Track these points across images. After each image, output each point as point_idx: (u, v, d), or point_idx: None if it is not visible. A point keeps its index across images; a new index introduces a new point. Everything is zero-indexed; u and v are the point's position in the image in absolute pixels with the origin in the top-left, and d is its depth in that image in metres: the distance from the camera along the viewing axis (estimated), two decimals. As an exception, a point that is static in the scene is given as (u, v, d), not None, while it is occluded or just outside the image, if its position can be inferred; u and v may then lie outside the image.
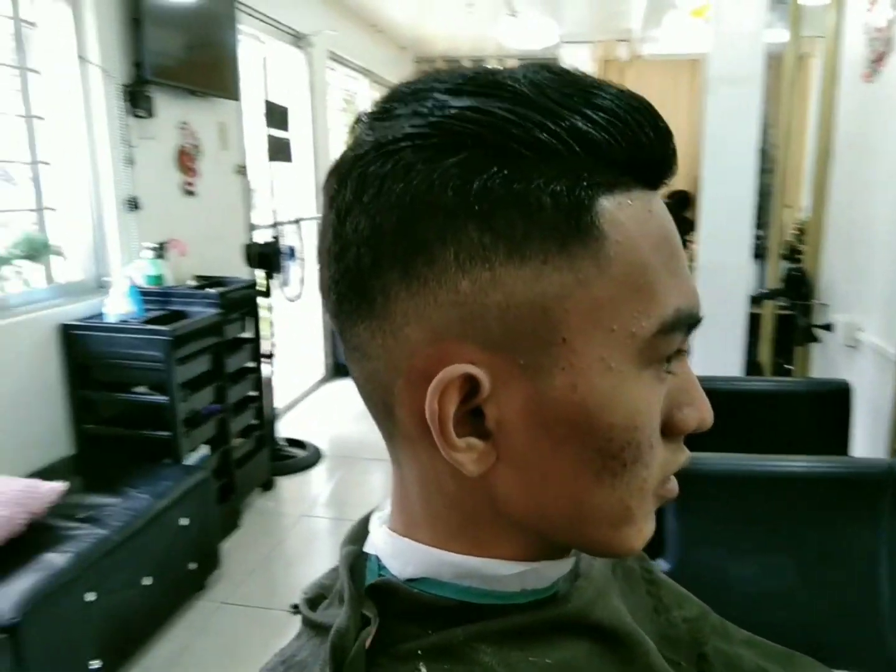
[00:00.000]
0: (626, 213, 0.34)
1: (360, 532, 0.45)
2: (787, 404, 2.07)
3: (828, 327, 2.59)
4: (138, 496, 2.15)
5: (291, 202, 4.49)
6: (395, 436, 0.39)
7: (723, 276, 2.77)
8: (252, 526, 2.95)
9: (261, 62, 4.05)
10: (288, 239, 3.88)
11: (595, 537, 0.38)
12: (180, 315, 2.66)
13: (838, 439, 1.97)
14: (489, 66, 0.36)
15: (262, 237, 3.75)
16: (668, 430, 0.38)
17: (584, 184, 0.33)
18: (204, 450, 2.68)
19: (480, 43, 6.16)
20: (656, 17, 5.02)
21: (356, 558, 0.42)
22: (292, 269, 3.79)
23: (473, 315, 0.34)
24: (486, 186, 0.32)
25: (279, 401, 3.64)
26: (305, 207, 4.58)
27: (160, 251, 2.81)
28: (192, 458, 2.57)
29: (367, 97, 5.82)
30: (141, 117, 2.78)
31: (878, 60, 2.24)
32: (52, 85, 2.55)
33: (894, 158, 2.12)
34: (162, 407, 2.44)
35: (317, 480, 3.45)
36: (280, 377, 3.62)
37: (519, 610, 0.39)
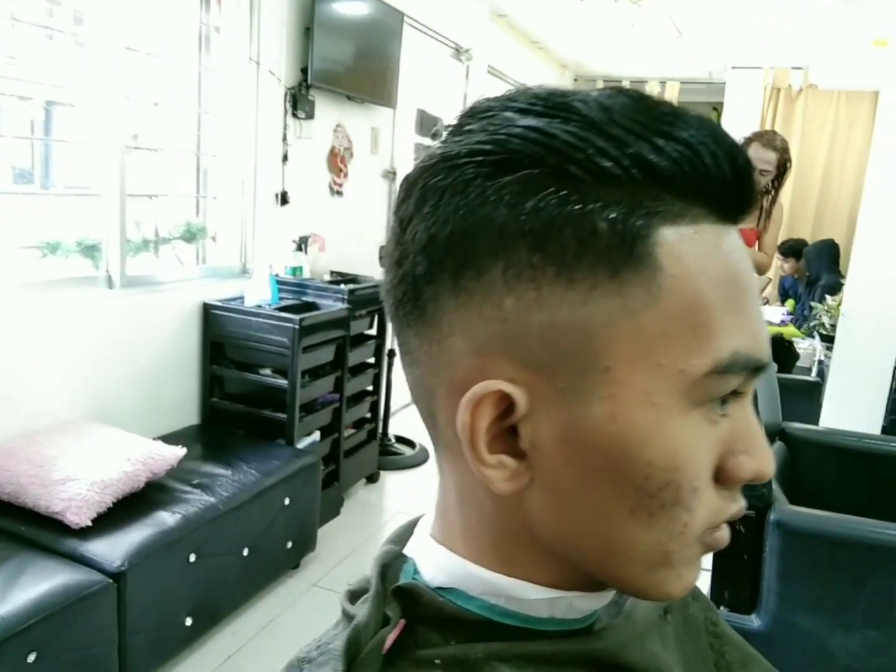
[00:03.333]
0: (688, 246, 0.33)
1: (405, 534, 0.45)
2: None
3: None
4: (248, 471, 2.30)
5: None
6: (438, 443, 0.39)
7: (869, 326, 2.57)
8: (351, 515, 3.07)
9: (419, 72, 4.19)
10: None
11: (628, 577, 0.37)
12: (311, 306, 2.82)
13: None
14: (564, 88, 0.36)
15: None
16: (721, 477, 0.36)
17: (643, 212, 0.33)
18: (316, 436, 2.82)
19: (643, 65, 6.04)
20: (834, 46, 4.72)
21: (394, 558, 0.43)
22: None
23: (515, 333, 0.34)
24: (540, 206, 0.32)
25: (395, 399, 3.76)
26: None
27: (302, 245, 2.99)
28: (303, 443, 2.72)
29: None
30: (300, 118, 2.97)
31: None
32: (225, 85, 2.79)
33: None
34: (283, 390, 2.60)
35: (420, 480, 3.53)
36: (399, 376, 3.73)
37: (544, 637, 0.39)
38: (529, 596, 0.38)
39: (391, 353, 3.48)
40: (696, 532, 0.36)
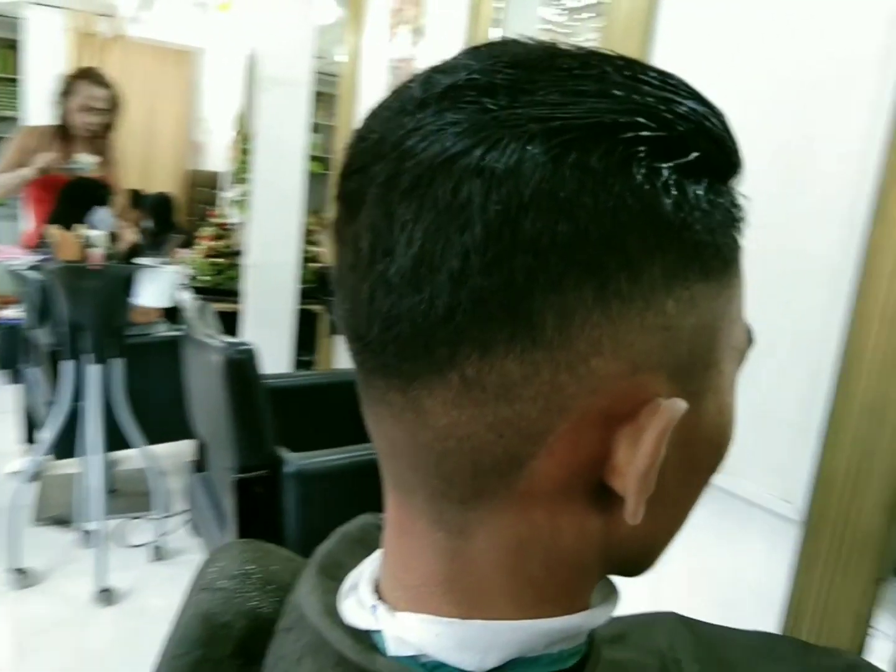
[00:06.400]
0: None
1: (358, 632, 0.34)
2: (344, 394, 2.25)
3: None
4: None
5: None
6: (493, 496, 0.31)
7: (271, 275, 2.84)
8: None
9: None
10: None
11: (653, 561, 0.37)
12: None
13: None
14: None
15: None
16: None
17: (739, 199, 0.33)
18: None
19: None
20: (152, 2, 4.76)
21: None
22: None
23: (675, 339, 0.30)
24: (702, 196, 0.30)
25: None
26: None
27: None
28: None
29: None
30: None
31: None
32: None
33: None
34: None
35: None
36: None
37: (592, 652, 0.36)
38: (600, 621, 0.35)
39: None
40: None
